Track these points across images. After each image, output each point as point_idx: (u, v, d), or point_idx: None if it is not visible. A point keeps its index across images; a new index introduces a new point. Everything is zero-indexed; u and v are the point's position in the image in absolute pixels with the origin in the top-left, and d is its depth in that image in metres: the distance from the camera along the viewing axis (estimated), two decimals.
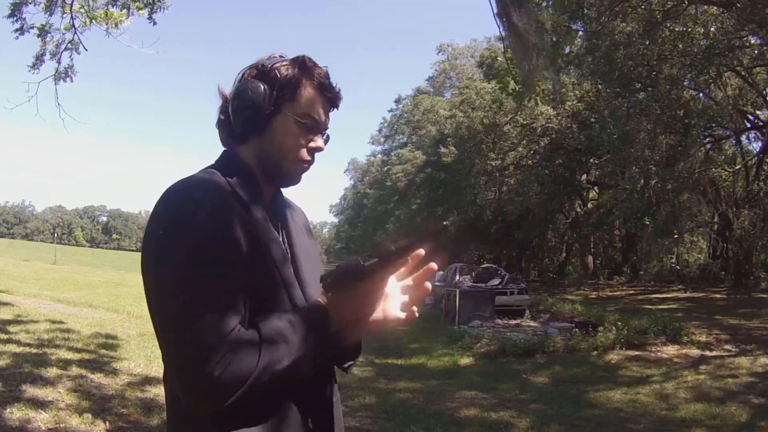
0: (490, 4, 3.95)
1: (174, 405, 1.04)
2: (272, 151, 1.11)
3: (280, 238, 1.11)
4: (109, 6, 7.53)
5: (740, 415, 5.45)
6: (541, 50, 3.90)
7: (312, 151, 1.13)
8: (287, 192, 1.23)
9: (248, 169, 1.11)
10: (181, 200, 1.00)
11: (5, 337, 6.27)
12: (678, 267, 20.83)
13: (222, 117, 1.15)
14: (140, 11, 7.49)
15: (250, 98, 1.08)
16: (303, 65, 1.12)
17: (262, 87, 1.08)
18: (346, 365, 1.21)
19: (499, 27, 4.09)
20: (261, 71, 1.11)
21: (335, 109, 1.17)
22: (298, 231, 1.19)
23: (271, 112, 1.09)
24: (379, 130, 54.01)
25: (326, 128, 1.16)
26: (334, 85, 1.14)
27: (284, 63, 1.12)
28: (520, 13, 3.82)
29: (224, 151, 1.16)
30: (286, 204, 1.22)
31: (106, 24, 7.47)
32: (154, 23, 7.51)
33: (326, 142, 1.16)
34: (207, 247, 0.94)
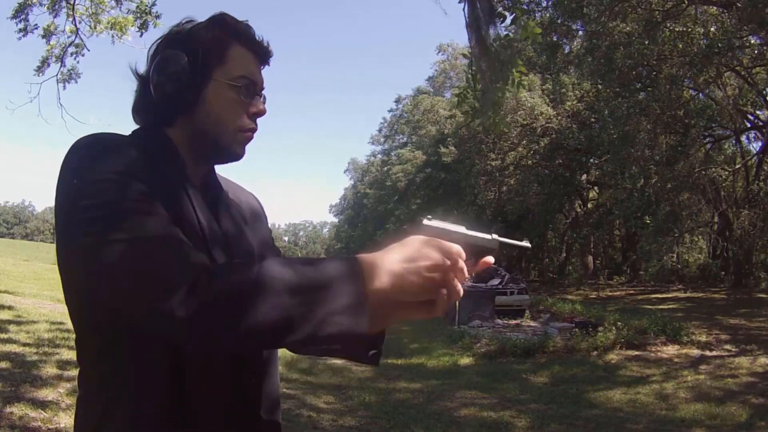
0: (464, 14, 3.95)
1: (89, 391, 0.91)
2: (208, 125, 0.97)
3: (202, 221, 0.94)
4: (114, 10, 7.58)
5: (740, 415, 5.45)
6: (505, 64, 3.89)
7: (254, 116, 1.01)
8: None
9: (169, 142, 0.97)
10: (95, 145, 0.89)
11: (5, 336, 6.27)
12: (678, 267, 20.83)
13: (141, 99, 1.00)
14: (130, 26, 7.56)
15: (172, 70, 0.93)
16: (224, 23, 0.99)
17: (185, 55, 0.94)
18: (369, 354, 0.98)
19: (469, 38, 4.09)
20: (177, 39, 0.98)
21: (267, 65, 1.04)
22: (235, 216, 1.04)
23: (199, 82, 0.95)
24: (379, 130, 54.04)
25: (263, 88, 1.03)
26: (261, 38, 1.02)
27: (202, 25, 0.99)
28: (491, 27, 3.83)
29: (141, 126, 1.00)
30: (224, 187, 1.07)
31: (111, 30, 7.52)
32: (141, 34, 7.58)
33: (264, 102, 1.03)
34: (133, 184, 0.83)
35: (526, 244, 0.99)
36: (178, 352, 0.86)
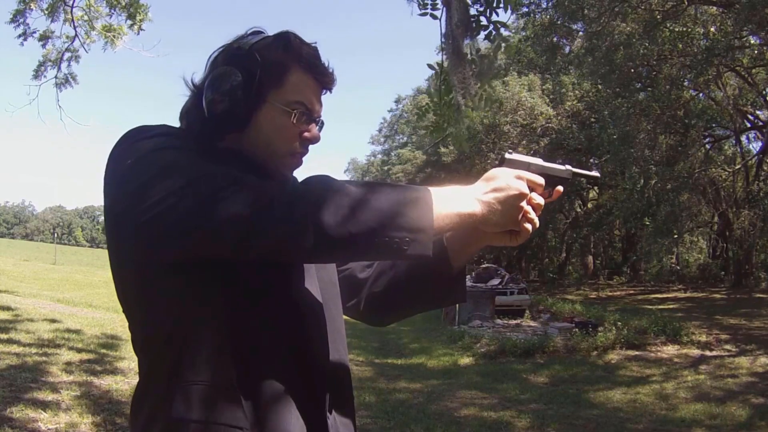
0: (440, 24, 3.91)
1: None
2: (257, 146, 0.96)
3: None
4: (109, 16, 7.60)
5: (740, 415, 5.45)
6: (480, 76, 3.85)
7: (306, 142, 0.98)
8: None
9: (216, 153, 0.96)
10: (148, 129, 0.91)
11: (5, 337, 6.27)
12: (678, 267, 20.83)
13: (192, 108, 0.97)
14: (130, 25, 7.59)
15: (226, 89, 0.92)
16: (288, 44, 0.96)
17: (240, 75, 0.92)
18: (447, 295, 1.08)
19: (442, 48, 4.04)
20: (238, 54, 0.95)
21: (328, 92, 1.02)
22: None
23: (253, 104, 0.93)
24: (379, 130, 54.10)
25: (319, 115, 1.00)
26: (326, 64, 0.99)
27: (265, 42, 0.95)
28: (466, 38, 3.79)
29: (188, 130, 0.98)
30: None
31: (105, 38, 7.56)
32: (138, 32, 7.62)
33: (320, 129, 1.01)
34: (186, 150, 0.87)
35: (596, 173, 1.07)
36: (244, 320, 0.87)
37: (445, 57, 4.08)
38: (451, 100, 4.10)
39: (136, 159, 0.85)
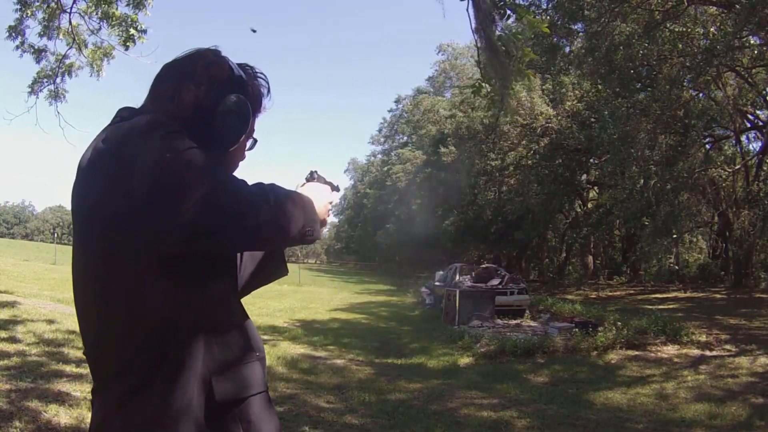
0: (469, 18, 3.96)
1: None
2: (227, 166, 1.12)
3: None
4: (97, 32, 7.63)
5: (740, 415, 5.45)
6: (513, 64, 3.92)
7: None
8: None
9: None
10: (165, 125, 0.98)
11: (6, 335, 6.27)
12: (677, 267, 20.82)
13: (191, 114, 1.03)
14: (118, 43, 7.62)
15: (248, 123, 1.07)
16: (268, 86, 1.16)
17: (252, 110, 1.08)
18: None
19: (476, 41, 4.12)
20: (241, 83, 1.08)
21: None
22: None
23: (245, 136, 1.13)
24: (379, 130, 54.14)
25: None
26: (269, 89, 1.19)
27: (261, 84, 1.14)
28: (496, 28, 3.85)
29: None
30: None
31: (91, 65, 7.62)
32: (126, 48, 7.64)
33: (252, 147, 1.20)
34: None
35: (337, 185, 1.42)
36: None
37: (480, 49, 4.17)
38: (494, 84, 4.27)
39: (176, 156, 0.94)
